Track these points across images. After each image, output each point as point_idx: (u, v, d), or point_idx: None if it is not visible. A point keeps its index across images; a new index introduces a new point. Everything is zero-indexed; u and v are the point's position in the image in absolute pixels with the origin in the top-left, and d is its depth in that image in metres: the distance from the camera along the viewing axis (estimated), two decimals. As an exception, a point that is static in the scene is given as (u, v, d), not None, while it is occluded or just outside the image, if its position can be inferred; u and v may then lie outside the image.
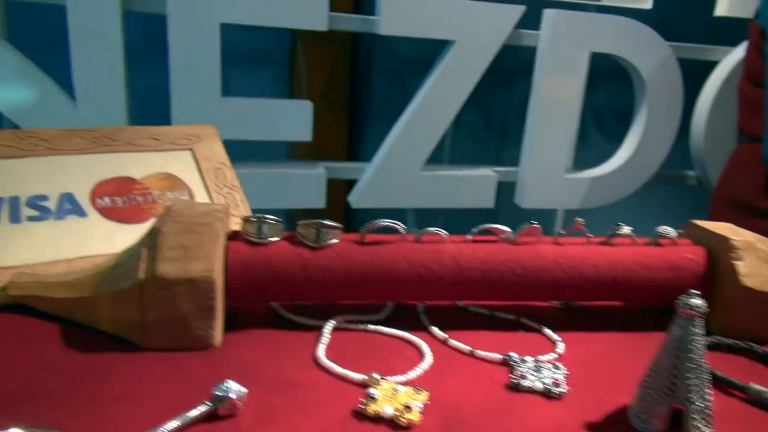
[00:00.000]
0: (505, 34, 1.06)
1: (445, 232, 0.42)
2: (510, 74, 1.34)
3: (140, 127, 0.52)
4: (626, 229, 0.43)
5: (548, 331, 0.42)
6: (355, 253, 0.41)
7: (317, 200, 1.08)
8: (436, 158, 1.12)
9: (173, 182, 0.51)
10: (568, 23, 1.07)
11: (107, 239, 0.45)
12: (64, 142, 0.48)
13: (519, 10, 1.05)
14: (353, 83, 1.58)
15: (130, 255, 0.39)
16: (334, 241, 0.41)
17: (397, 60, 1.58)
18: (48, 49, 0.99)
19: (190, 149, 0.53)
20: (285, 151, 1.47)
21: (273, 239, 0.41)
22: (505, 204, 1.18)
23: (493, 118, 1.56)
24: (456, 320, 0.43)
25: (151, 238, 0.38)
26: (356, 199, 1.11)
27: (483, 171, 1.15)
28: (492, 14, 1.04)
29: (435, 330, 0.41)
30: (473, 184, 1.14)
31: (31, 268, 0.42)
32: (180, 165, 0.52)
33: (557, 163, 1.13)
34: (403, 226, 0.41)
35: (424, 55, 1.55)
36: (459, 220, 1.38)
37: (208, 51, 0.94)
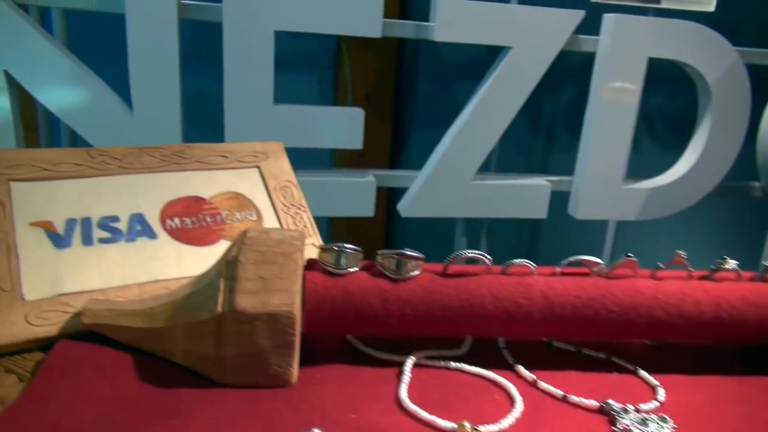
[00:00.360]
0: (564, 39, 1.01)
1: (533, 263, 0.39)
2: (556, 78, 1.30)
3: (208, 144, 0.51)
4: (731, 263, 0.39)
5: (644, 374, 0.39)
6: (438, 285, 0.38)
7: (366, 209, 1.06)
8: (483, 166, 1.09)
9: (241, 202, 0.49)
10: (629, 28, 1.02)
11: (177, 262, 0.44)
12: (134, 160, 0.47)
13: (579, 15, 1.00)
14: (398, 87, 1.56)
15: (206, 284, 0.37)
16: (416, 272, 0.39)
17: (443, 64, 1.55)
18: (105, 56, 0.99)
19: (257, 166, 0.52)
20: (327, 155, 1.46)
21: (352, 270, 0.38)
22: (554, 213, 1.14)
23: (539, 125, 1.52)
24: (541, 357, 0.40)
25: (229, 268, 0.36)
26: (405, 207, 1.08)
27: (536, 180, 1.11)
28: (551, 20, 1.00)
29: (521, 369, 0.39)
30: (526, 193, 1.10)
31: (103, 293, 0.41)
32: (247, 183, 0.50)
33: (614, 173, 1.08)
34: (489, 257, 0.39)
35: (471, 58, 1.51)
36: (503, 228, 1.34)
37: (261, 58, 0.93)
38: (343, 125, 1.01)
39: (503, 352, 0.41)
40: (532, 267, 0.39)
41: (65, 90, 0.84)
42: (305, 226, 0.50)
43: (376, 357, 0.39)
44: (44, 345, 0.38)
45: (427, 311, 0.38)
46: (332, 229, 1.36)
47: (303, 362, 0.38)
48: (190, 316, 0.36)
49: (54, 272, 0.40)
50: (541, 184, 1.10)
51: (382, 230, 1.56)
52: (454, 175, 1.06)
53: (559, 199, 1.12)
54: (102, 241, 0.43)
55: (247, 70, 0.93)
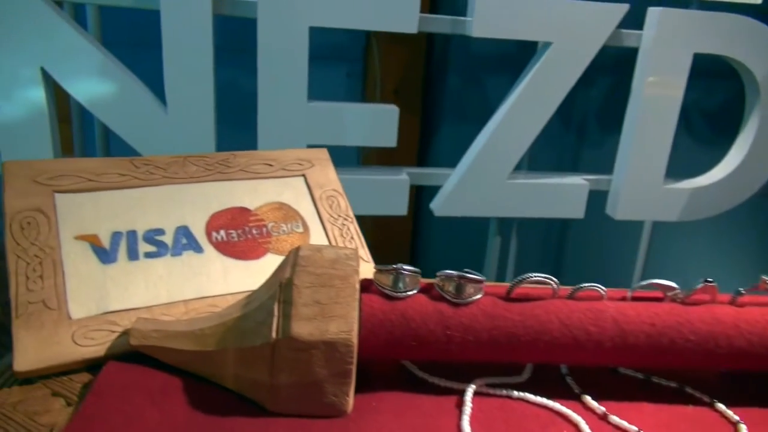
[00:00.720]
0: (607, 34, 0.97)
1: (603, 287, 0.37)
2: (588, 73, 1.26)
3: (252, 151, 0.49)
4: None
5: (722, 407, 0.36)
6: (502, 310, 0.36)
7: (399, 207, 1.03)
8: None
9: (287, 212, 0.47)
10: (675, 22, 0.97)
11: (223, 278, 0.42)
12: (178, 169, 0.45)
13: (622, 8, 0.96)
14: (427, 81, 1.52)
15: (258, 307, 0.35)
16: (478, 296, 0.36)
17: (473, 57, 1.51)
18: (138, 51, 0.98)
19: (303, 175, 0.49)
20: (355, 151, 1.43)
21: (410, 292, 0.36)
22: (589, 213, 1.11)
23: (570, 121, 1.47)
24: (607, 386, 0.38)
25: (283, 291, 0.34)
26: (439, 206, 1.05)
27: (573, 179, 1.07)
28: (594, 14, 0.95)
29: (588, 400, 0.36)
30: (563, 193, 1.07)
31: (149, 310, 0.39)
32: (293, 193, 0.48)
33: (656, 172, 1.04)
34: (556, 280, 0.36)
35: (503, 52, 1.47)
36: (532, 226, 1.30)
37: (295, 55, 0.91)
38: (377, 123, 0.99)
39: (567, 379, 0.38)
40: (602, 291, 0.37)
41: (98, 85, 0.83)
42: (352, 238, 0.48)
43: (434, 384, 0.37)
44: (91, 365, 0.37)
45: (491, 338, 0.35)
46: (363, 229, 1.34)
47: (357, 388, 0.36)
48: (242, 341, 0.34)
49: (100, 289, 0.39)
50: (578, 183, 1.06)
51: (409, 228, 1.54)
52: (489, 173, 1.03)
53: (592, 198, 1.09)
54: (148, 255, 0.41)
55: (281, 67, 0.90)
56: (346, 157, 1.35)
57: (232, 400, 0.35)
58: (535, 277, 0.35)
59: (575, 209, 1.07)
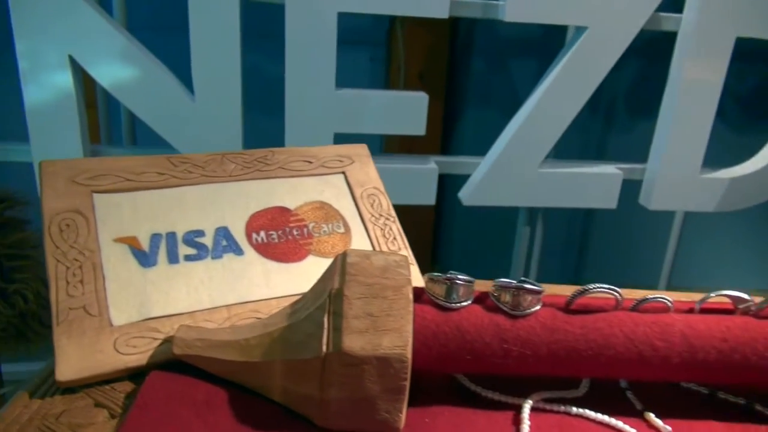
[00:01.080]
0: (645, 18, 0.93)
1: (669, 298, 0.34)
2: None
3: (291, 148, 0.47)
4: None
5: (796, 428, 0.34)
6: (562, 323, 0.34)
7: (427, 197, 1.01)
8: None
9: (328, 212, 0.45)
10: (717, 5, 0.93)
11: (265, 281, 0.40)
12: (217, 167, 0.44)
13: (662, -8, 0.92)
14: (451, 65, 1.49)
15: (306, 318, 0.33)
16: (536, 307, 0.34)
17: (499, 41, 1.47)
18: (164, 36, 0.96)
19: (343, 172, 0.47)
20: (378, 138, 1.41)
21: (465, 303, 0.34)
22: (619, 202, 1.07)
23: (598, 106, 1.43)
24: (671, 402, 0.35)
25: (332, 302, 0.32)
26: (467, 195, 1.03)
27: (606, 168, 1.04)
28: (633, -3, 0.91)
29: (652, 418, 0.34)
30: (595, 182, 1.03)
31: (191, 316, 0.38)
32: (333, 191, 0.46)
33: (693, 161, 1.00)
34: (619, 291, 0.34)
35: (530, 36, 1.42)
36: (555, 215, 1.27)
37: (324, 42, 0.88)
38: (406, 110, 0.96)
39: (627, 394, 0.36)
40: (668, 303, 0.34)
41: (124, 71, 0.81)
42: (395, 239, 0.46)
43: (488, 398, 0.35)
44: (133, 374, 0.36)
45: (550, 352, 0.33)
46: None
47: (409, 402, 0.34)
48: (290, 353, 0.33)
49: (141, 294, 0.37)
50: (612, 172, 1.03)
51: (431, 216, 1.51)
52: (520, 162, 1.00)
53: (629, 189, 1.05)
54: (188, 258, 0.39)
55: (309, 53, 0.88)
56: (369, 144, 1.32)
57: (279, 413, 0.33)
58: (600, 288, 0.33)
59: (608, 199, 1.04)
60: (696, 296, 0.48)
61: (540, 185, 1.02)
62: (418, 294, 0.35)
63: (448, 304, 0.34)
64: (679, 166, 1.00)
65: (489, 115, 1.49)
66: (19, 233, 0.78)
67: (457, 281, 0.34)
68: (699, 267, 1.56)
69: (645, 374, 0.34)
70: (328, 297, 0.33)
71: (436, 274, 0.34)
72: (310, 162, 0.47)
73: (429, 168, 0.99)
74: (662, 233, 1.24)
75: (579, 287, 0.34)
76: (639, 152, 1.10)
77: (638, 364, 0.33)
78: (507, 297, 0.34)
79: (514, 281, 0.34)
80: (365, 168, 0.48)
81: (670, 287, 1.17)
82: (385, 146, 1.38)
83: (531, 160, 1.00)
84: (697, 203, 1.03)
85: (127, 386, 0.35)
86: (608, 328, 0.33)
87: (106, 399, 0.34)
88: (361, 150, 0.49)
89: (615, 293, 0.34)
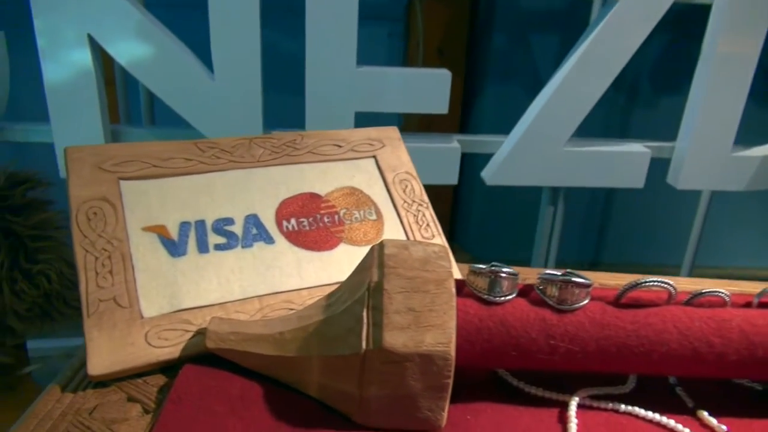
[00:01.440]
0: (679, -9, 0.89)
1: (726, 292, 0.32)
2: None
3: (320, 131, 0.45)
4: None
5: None
6: (612, 318, 0.32)
7: (450, 176, 0.99)
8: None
9: (359, 198, 0.43)
10: (755, -24, 0.88)
11: (297, 271, 0.39)
12: (245, 153, 0.42)
13: (698, -37, 0.87)
14: (471, 40, 1.45)
15: (343, 312, 0.32)
16: (584, 302, 0.32)
17: (520, 15, 1.42)
18: (183, 14, 0.93)
19: (374, 156, 0.45)
20: (396, 115, 1.38)
21: (509, 297, 0.32)
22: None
23: (621, 82, 1.39)
24: (723, 398, 0.34)
25: (371, 296, 0.31)
26: (491, 175, 1.00)
27: (634, 147, 1.01)
28: (667, -32, 0.87)
29: (705, 416, 0.32)
30: (623, 161, 1.00)
31: (222, 307, 0.36)
32: (364, 176, 0.44)
33: (724, 139, 0.97)
34: (673, 284, 0.32)
35: (552, 8, 1.38)
36: (577, 196, 1.24)
37: (345, 18, 0.85)
38: (429, 88, 0.93)
39: (677, 390, 0.34)
40: (725, 297, 0.32)
41: (142, 50, 0.79)
42: (428, 226, 0.44)
43: (531, 394, 0.34)
44: (164, 366, 0.35)
45: (599, 349, 0.31)
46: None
47: (450, 398, 0.33)
48: (328, 349, 0.31)
49: (171, 285, 0.36)
50: (640, 151, 1.00)
51: (449, 195, 1.49)
52: (545, 140, 0.97)
53: (657, 167, 1.02)
54: (218, 247, 0.38)
55: (330, 30, 0.85)
56: (385, 122, 1.30)
57: (316, 410, 0.32)
58: (653, 281, 0.31)
59: (635, 178, 1.01)
60: (746, 285, 0.46)
61: (565, 164, 0.99)
62: (459, 287, 0.33)
63: (491, 298, 0.32)
64: (710, 143, 0.97)
65: (510, 92, 1.45)
66: (42, 214, 0.78)
67: (501, 274, 0.32)
68: (724, 247, 1.53)
69: (699, 371, 0.32)
70: (367, 290, 0.31)
71: (478, 266, 0.33)
72: (340, 146, 0.45)
73: (452, 147, 0.97)
74: (685, 212, 1.21)
75: (631, 280, 0.32)
76: (664, 130, 1.06)
77: (692, 361, 0.31)
78: (553, 290, 0.32)
79: (560, 273, 0.32)
80: (396, 152, 0.46)
81: (694, 267, 1.14)
82: (404, 125, 1.36)
83: (556, 139, 0.97)
84: (727, 182, 1.00)
85: (159, 380, 0.34)
86: (661, 324, 0.31)
87: (139, 393, 0.33)
88: (392, 133, 0.47)
89: (669, 286, 0.32)
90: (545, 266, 1.12)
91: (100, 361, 0.33)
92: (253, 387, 0.33)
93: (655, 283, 0.31)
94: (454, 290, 0.31)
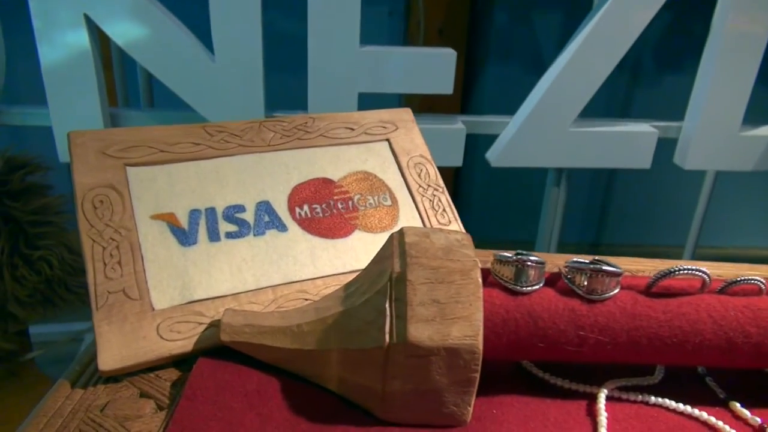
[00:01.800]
0: (690, -33, 0.86)
1: (762, 279, 0.31)
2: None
3: (331, 114, 0.43)
4: None
5: None
6: (643, 308, 0.30)
7: (455, 158, 0.97)
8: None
9: (373, 183, 0.42)
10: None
11: (311, 260, 0.37)
12: (254, 136, 0.40)
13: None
14: (472, 19, 1.42)
15: (364, 304, 0.30)
16: (615, 291, 0.31)
17: (523, -9, 1.39)
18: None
19: (387, 139, 0.44)
20: (396, 97, 1.35)
21: (536, 287, 0.31)
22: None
23: (624, 60, 1.36)
24: (755, 389, 0.32)
25: (394, 287, 0.29)
26: (496, 156, 0.98)
27: (641, 127, 0.99)
28: (678, -57, 0.84)
29: (738, 408, 0.31)
30: (629, 141, 0.98)
31: (235, 298, 0.35)
32: (378, 160, 0.43)
33: (733, 118, 0.95)
34: (707, 271, 0.30)
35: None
36: (581, 175, 1.23)
37: (348, -3, 0.83)
38: (434, 68, 0.91)
39: (707, 380, 0.33)
40: (761, 284, 0.31)
41: (140, 30, 0.77)
42: (444, 211, 0.42)
43: (557, 386, 0.33)
44: (177, 360, 0.33)
45: (630, 340, 0.30)
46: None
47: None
48: (348, 342, 0.30)
49: (182, 275, 0.34)
50: (647, 131, 0.98)
51: (450, 176, 1.47)
52: (551, 121, 0.95)
53: (663, 147, 1.00)
54: (229, 235, 0.36)
55: (332, 9, 0.83)
56: (385, 103, 1.28)
57: (336, 404, 0.31)
58: (686, 269, 0.30)
59: (642, 159, 0.99)
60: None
61: (571, 145, 0.97)
62: (484, 276, 0.32)
63: (518, 288, 0.31)
64: (718, 123, 0.95)
65: (511, 72, 1.43)
66: (42, 199, 0.76)
67: (528, 263, 0.30)
68: (725, 227, 1.52)
69: (734, 362, 0.31)
70: (389, 281, 0.30)
71: (503, 254, 0.31)
72: (352, 129, 0.43)
73: (456, 128, 0.95)
74: (688, 192, 1.19)
75: (663, 269, 0.30)
76: (668, 109, 1.04)
77: (727, 352, 0.30)
78: (582, 279, 0.31)
79: (588, 261, 0.31)
80: (410, 134, 0.44)
81: (698, 248, 1.13)
82: (405, 105, 1.33)
83: (562, 120, 0.95)
84: (734, 162, 0.99)
85: (172, 374, 0.33)
86: (695, 313, 0.30)
87: (152, 388, 0.31)
88: (405, 115, 0.45)
89: (703, 274, 0.30)
90: (549, 248, 1.11)
91: (111, 355, 0.31)
92: (270, 381, 0.32)
93: (689, 271, 0.30)
94: (480, 281, 0.29)
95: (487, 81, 1.47)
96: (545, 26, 1.43)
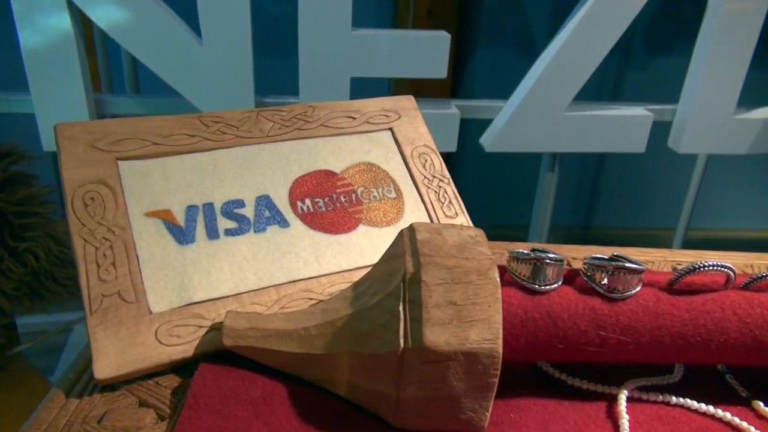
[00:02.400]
0: (687, -53, 0.84)
1: (785, 277, 0.30)
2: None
3: (331, 102, 0.41)
4: None
5: None
6: (666, 307, 0.29)
7: (449, 144, 0.95)
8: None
9: (376, 174, 0.40)
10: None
11: (314, 257, 0.35)
12: (252, 127, 0.38)
13: None
14: (462, 0, 1.39)
15: (376, 306, 0.28)
16: (636, 289, 0.29)
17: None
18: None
19: (390, 129, 0.42)
20: (386, 82, 1.33)
21: (554, 285, 0.29)
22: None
23: (622, 44, 1.35)
24: (775, 385, 0.32)
25: (408, 289, 0.28)
26: (490, 141, 0.96)
27: (636, 110, 0.97)
28: None
29: (761, 407, 0.30)
30: (624, 125, 0.97)
31: (237, 299, 0.33)
32: (381, 151, 0.41)
33: (727, 102, 0.94)
34: (733, 267, 0.29)
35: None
36: (572, 158, 1.22)
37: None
38: (427, 51, 0.89)
39: (728, 378, 0.32)
40: (785, 282, 0.30)
41: (126, 14, 0.73)
42: (450, 203, 0.40)
43: (575, 387, 0.31)
44: (178, 366, 0.31)
45: (653, 339, 0.29)
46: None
47: (488, 393, 0.30)
48: (359, 346, 0.28)
49: (180, 276, 0.32)
50: (642, 114, 0.96)
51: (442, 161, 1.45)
52: (546, 105, 0.93)
53: (658, 131, 0.99)
54: (229, 233, 0.34)
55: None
56: (374, 87, 1.25)
57: (346, 411, 0.29)
58: (711, 265, 0.28)
59: (637, 142, 0.98)
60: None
61: (566, 129, 0.96)
62: (501, 274, 0.30)
63: (536, 287, 0.29)
64: (713, 106, 0.94)
65: (503, 55, 1.40)
66: (27, 189, 0.73)
67: (546, 260, 0.29)
68: (715, 209, 1.52)
69: (760, 361, 0.30)
70: (402, 282, 0.28)
71: (519, 251, 0.30)
72: (354, 118, 0.41)
73: (451, 113, 0.93)
74: (679, 174, 1.19)
75: (686, 265, 0.29)
76: (659, 92, 1.03)
77: (753, 350, 0.29)
78: (603, 277, 0.29)
79: (607, 257, 0.29)
80: (414, 123, 0.42)
81: (689, 230, 1.13)
82: (393, 91, 1.31)
83: (557, 104, 0.93)
84: (729, 146, 0.98)
85: (172, 381, 0.31)
86: (719, 311, 0.29)
87: (151, 397, 0.30)
88: (408, 102, 0.43)
89: (727, 270, 0.29)
90: (542, 232, 1.10)
91: (107, 363, 0.29)
92: (276, 387, 0.30)
93: (714, 268, 0.29)
94: (498, 281, 0.28)
95: (478, 64, 1.44)
96: (537, 7, 1.40)
